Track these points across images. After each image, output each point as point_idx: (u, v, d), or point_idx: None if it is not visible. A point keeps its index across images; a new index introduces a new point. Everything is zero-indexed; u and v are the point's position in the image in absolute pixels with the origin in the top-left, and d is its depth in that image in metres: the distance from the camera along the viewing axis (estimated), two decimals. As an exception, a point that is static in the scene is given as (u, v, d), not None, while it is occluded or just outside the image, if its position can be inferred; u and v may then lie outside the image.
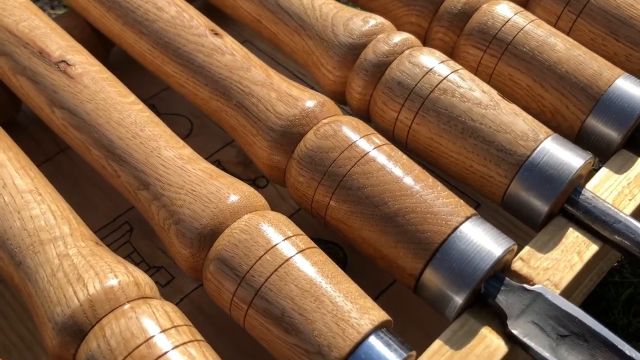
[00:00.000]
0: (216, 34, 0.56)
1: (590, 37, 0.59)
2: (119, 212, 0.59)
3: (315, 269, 0.41)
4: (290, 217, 0.58)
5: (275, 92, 0.51)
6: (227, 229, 0.42)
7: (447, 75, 0.51)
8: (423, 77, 0.51)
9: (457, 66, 0.52)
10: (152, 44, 0.56)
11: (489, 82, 0.57)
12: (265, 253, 0.41)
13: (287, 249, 0.41)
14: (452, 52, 0.59)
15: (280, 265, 0.40)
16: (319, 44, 0.56)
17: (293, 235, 0.42)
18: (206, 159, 0.62)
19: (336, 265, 0.43)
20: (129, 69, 0.66)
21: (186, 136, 0.65)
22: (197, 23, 0.56)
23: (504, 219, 0.57)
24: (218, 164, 0.62)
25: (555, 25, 0.60)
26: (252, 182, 0.61)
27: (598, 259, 0.48)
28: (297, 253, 0.41)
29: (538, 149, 0.47)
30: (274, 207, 0.55)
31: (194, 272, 0.44)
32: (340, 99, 0.57)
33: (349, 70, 0.54)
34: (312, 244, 0.43)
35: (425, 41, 0.61)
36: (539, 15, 0.61)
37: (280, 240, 0.41)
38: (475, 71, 0.57)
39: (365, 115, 0.55)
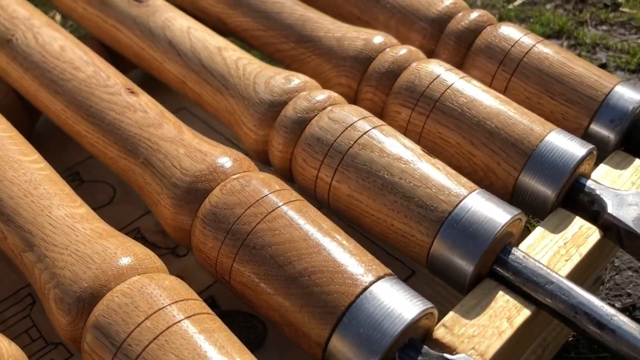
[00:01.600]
0: (132, 92, 0.53)
1: (526, 96, 0.57)
2: (23, 284, 0.54)
3: (202, 336, 0.36)
4: (209, 287, 0.53)
5: (184, 148, 0.47)
6: (109, 293, 0.38)
7: (367, 131, 0.48)
8: (342, 132, 0.48)
9: (380, 122, 0.50)
10: (65, 103, 0.54)
11: (419, 142, 0.54)
12: (146, 319, 0.36)
13: (171, 314, 0.36)
14: (381, 112, 0.57)
15: (160, 333, 0.35)
16: (241, 102, 0.54)
17: (182, 300, 0.38)
18: (125, 227, 0.59)
19: (232, 335, 0.38)
20: (55, 137, 0.64)
21: (107, 203, 0.61)
22: (114, 82, 0.54)
23: (440, 287, 0.52)
24: (137, 232, 0.58)
25: (490, 85, 0.59)
26: (172, 251, 0.57)
27: (534, 326, 0.44)
28: (183, 319, 0.36)
29: (461, 204, 0.44)
30: (193, 278, 0.51)
31: (74, 343, 0.39)
32: (264, 158, 0.54)
33: (270, 128, 0.52)
34: (207, 309, 0.39)
35: (356, 102, 0.58)
36: (475, 75, 0.59)
37: (166, 305, 0.37)
38: (405, 130, 0.55)
39: (289, 174, 0.52)
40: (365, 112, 0.50)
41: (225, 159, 0.46)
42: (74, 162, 0.65)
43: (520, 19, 1.10)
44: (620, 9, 1.11)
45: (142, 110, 0.51)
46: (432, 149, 0.54)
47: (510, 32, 0.59)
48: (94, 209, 0.61)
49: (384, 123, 0.50)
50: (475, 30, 0.61)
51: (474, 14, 0.61)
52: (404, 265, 0.55)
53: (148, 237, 0.58)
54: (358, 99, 0.58)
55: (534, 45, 0.58)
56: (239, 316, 0.51)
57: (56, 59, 0.56)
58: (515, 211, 0.44)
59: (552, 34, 1.04)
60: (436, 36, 0.62)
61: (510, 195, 0.50)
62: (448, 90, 0.53)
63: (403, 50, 0.57)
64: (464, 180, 0.46)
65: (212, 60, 0.57)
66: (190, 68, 0.58)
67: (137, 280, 0.38)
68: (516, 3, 1.15)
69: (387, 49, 0.58)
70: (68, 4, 0.68)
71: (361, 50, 0.58)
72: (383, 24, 0.66)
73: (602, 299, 0.64)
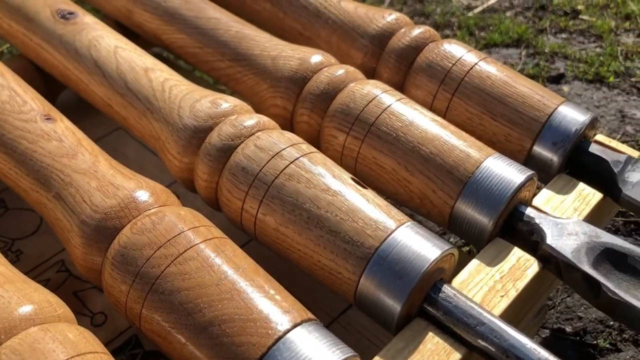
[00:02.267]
0: (49, 118, 0.50)
1: (467, 117, 0.55)
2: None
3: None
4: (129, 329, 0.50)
5: (97, 181, 0.44)
6: (-2, 348, 0.35)
7: (295, 160, 0.45)
8: (268, 161, 0.45)
9: (310, 149, 0.47)
10: (-23, 131, 0.50)
11: (354, 167, 0.52)
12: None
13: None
14: (318, 136, 0.54)
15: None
16: (165, 127, 0.51)
17: (78, 355, 0.35)
18: (49, 258, 0.56)
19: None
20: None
21: (32, 233, 0.58)
22: (30, 107, 0.51)
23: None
24: (61, 264, 0.55)
25: (432, 105, 0.56)
26: (96, 286, 0.53)
27: (467, 368, 0.41)
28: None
29: (388, 239, 0.41)
30: (117, 314, 0.48)
31: None
32: (190, 187, 0.51)
33: (194, 155, 0.49)
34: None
35: (292, 124, 0.56)
36: (416, 95, 0.57)
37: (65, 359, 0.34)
38: (341, 155, 0.52)
39: (216, 205, 0.49)
40: (295, 139, 0.48)
41: (139, 192, 0.43)
42: (0, 188, 0.62)
43: (479, 27, 1.08)
44: (580, 16, 1.10)
45: (57, 139, 0.48)
46: (368, 175, 0.51)
47: (453, 49, 0.57)
48: (18, 239, 0.58)
49: (314, 150, 0.47)
50: (416, 48, 0.58)
51: (416, 31, 0.59)
52: (341, 297, 0.52)
53: (72, 270, 0.55)
54: (294, 122, 0.55)
55: (476, 64, 0.56)
56: (162, 357, 0.48)
57: (-31, 82, 0.52)
58: (446, 246, 0.42)
59: (510, 43, 1.03)
60: (377, 54, 0.60)
61: (447, 223, 0.48)
62: (384, 114, 0.51)
63: (340, 71, 0.54)
64: (395, 212, 0.43)
65: (137, 82, 0.54)
66: (115, 90, 0.55)
67: (32, 333, 0.35)
68: (476, 10, 1.13)
69: (324, 69, 0.55)
70: (-6, 21, 0.65)
71: (296, 70, 0.55)
72: (325, 41, 0.63)
73: (537, 340, 0.62)
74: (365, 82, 0.53)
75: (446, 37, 1.07)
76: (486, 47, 1.03)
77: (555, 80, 0.93)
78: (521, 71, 0.97)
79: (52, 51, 0.59)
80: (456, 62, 0.56)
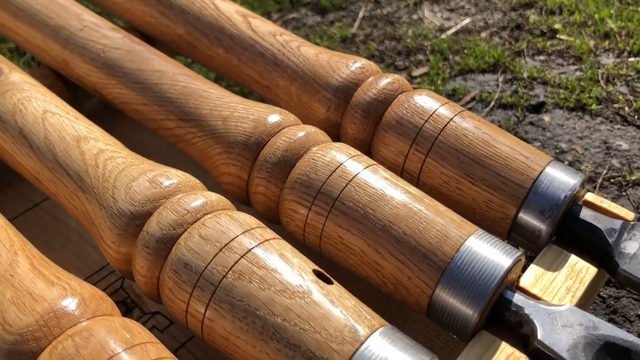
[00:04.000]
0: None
1: (443, 180, 0.49)
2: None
3: None
4: None
5: (13, 290, 0.38)
6: None
7: (246, 252, 0.39)
8: (215, 256, 0.39)
9: (266, 234, 0.41)
10: None
11: (319, 246, 0.46)
12: None
13: None
14: (277, 208, 0.48)
15: None
16: (99, 211, 0.44)
17: (133, 346, 0.31)
18: None
19: None
20: None
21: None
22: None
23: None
24: None
25: (403, 167, 0.50)
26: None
27: None
28: None
29: (357, 354, 0.35)
30: None
31: None
32: (131, 278, 0.45)
33: (132, 245, 0.42)
34: None
35: (248, 194, 0.49)
36: (385, 155, 0.51)
37: None
38: (303, 231, 0.46)
39: (159, 300, 0.43)
40: (249, 222, 0.41)
41: (64, 303, 0.37)
42: None
43: (453, 50, 1.02)
44: (558, 35, 1.05)
45: (-31, 233, 0.41)
46: (335, 255, 0.45)
47: (425, 102, 0.51)
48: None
49: (271, 236, 0.41)
50: (384, 101, 0.52)
51: (384, 81, 0.53)
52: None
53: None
54: (250, 192, 0.49)
55: (451, 119, 0.50)
56: None
57: None
58: (428, 356, 0.36)
59: (487, 68, 0.97)
60: (342, 107, 0.54)
61: (426, 312, 0.42)
62: (349, 186, 0.45)
63: (300, 133, 0.48)
64: (365, 314, 0.37)
65: (68, 154, 0.47)
66: (43, 164, 0.48)
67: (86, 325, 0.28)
68: (449, 32, 1.08)
69: (282, 131, 0.49)
70: None
71: (250, 133, 0.49)
72: (284, 91, 0.57)
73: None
74: (329, 147, 0.47)
75: (419, 62, 1.01)
76: (461, 73, 0.97)
77: (536, 109, 0.88)
78: (499, 99, 0.91)
79: (-26, 116, 0.52)
80: (429, 117, 0.50)
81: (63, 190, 0.47)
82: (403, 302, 0.43)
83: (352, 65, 0.55)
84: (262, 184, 0.48)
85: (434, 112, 0.50)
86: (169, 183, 0.44)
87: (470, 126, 0.50)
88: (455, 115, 0.50)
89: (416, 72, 0.98)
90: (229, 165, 0.49)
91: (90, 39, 0.59)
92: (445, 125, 0.50)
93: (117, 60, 0.57)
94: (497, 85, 0.94)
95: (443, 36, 1.06)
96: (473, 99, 0.92)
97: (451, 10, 1.14)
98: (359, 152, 0.48)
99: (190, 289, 0.39)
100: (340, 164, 0.46)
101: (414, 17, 1.12)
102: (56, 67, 0.62)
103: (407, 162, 0.50)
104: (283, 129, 0.49)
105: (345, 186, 0.44)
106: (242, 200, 0.50)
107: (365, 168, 0.46)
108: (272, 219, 0.49)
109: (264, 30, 0.60)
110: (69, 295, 0.37)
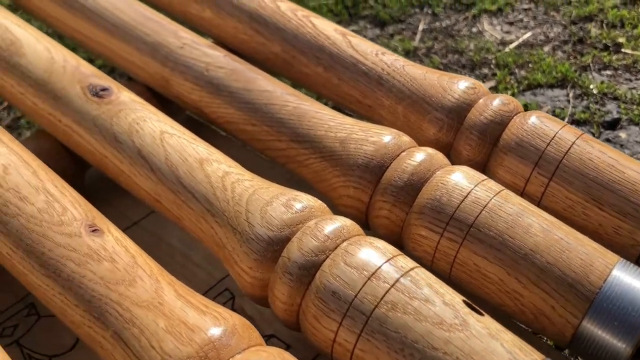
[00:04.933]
0: (95, 229, 0.43)
1: (568, 205, 0.48)
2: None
3: None
4: None
5: (165, 319, 0.37)
6: None
7: (395, 282, 0.38)
8: (364, 285, 0.38)
9: (407, 263, 0.40)
10: (11, 246, 0.43)
11: (450, 273, 0.45)
12: None
13: None
14: (401, 232, 0.47)
15: None
16: (231, 235, 0.43)
17: None
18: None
19: None
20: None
21: (70, 349, 0.51)
22: (71, 217, 0.43)
23: None
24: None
25: (523, 190, 0.50)
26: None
27: None
28: None
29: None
30: None
31: None
32: (264, 304, 0.44)
33: (270, 271, 0.42)
34: None
35: (368, 217, 0.49)
36: (502, 177, 0.50)
37: None
38: (432, 257, 0.45)
39: (297, 327, 0.42)
40: (389, 250, 0.41)
41: (219, 333, 0.36)
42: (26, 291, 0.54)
43: (518, 64, 1.02)
44: (622, 50, 1.04)
45: (108, 259, 0.41)
46: (468, 283, 0.44)
47: (544, 125, 0.51)
48: (55, 356, 0.51)
49: (413, 265, 0.40)
50: (500, 123, 0.52)
51: (497, 102, 0.52)
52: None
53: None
54: (371, 215, 0.48)
55: (573, 143, 0.49)
56: None
57: (-2, 186, 0.45)
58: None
59: (555, 83, 0.97)
60: (454, 128, 0.53)
61: (568, 343, 0.41)
62: (484, 212, 0.44)
63: (422, 156, 0.48)
64: (525, 348, 0.36)
65: (192, 177, 0.47)
66: (165, 186, 0.47)
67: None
68: (512, 46, 1.07)
69: (403, 154, 0.48)
70: (16, 96, 0.57)
71: (372, 156, 0.48)
72: (389, 110, 0.56)
73: None
74: (455, 171, 0.47)
75: (485, 76, 1.01)
76: (529, 87, 0.96)
77: (611, 125, 0.87)
78: (572, 115, 0.90)
79: (86, 135, 0.52)
80: (551, 140, 0.50)
81: (188, 213, 0.46)
82: (542, 331, 0.42)
83: (463, 85, 0.54)
84: (385, 208, 0.47)
85: (555, 135, 0.50)
86: (302, 207, 0.43)
87: (595, 150, 0.49)
88: (577, 138, 0.50)
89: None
90: (349, 188, 0.49)
91: (191, 56, 0.59)
92: (569, 148, 0.49)
93: (221, 79, 0.57)
94: (568, 101, 0.93)
95: (506, 50, 1.06)
96: (543, 114, 0.91)
97: (510, 24, 1.13)
98: (485, 176, 0.47)
99: (339, 318, 0.38)
100: (471, 190, 0.45)
101: (474, 30, 1.12)
102: (153, 84, 0.62)
103: (528, 186, 0.49)
104: (403, 151, 0.49)
105: (480, 212, 0.44)
106: (360, 223, 0.50)
107: (497, 194, 0.45)
108: (394, 242, 0.48)
109: (366, 48, 0.59)
110: (222, 324, 0.37)
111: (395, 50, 1.05)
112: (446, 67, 1.03)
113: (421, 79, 0.56)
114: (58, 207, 0.44)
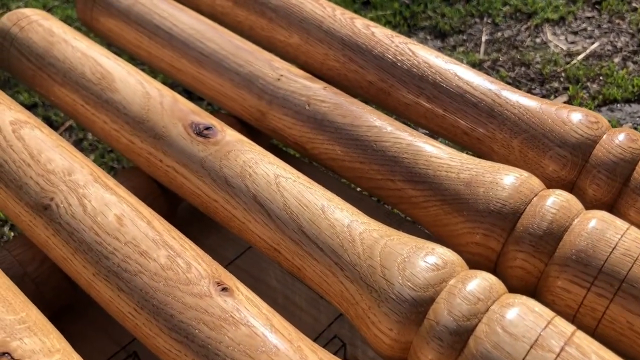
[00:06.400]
0: (224, 288, 0.40)
1: None
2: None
3: None
4: None
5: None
6: None
7: (560, 351, 0.36)
8: (527, 354, 0.36)
9: (568, 326, 0.37)
10: (134, 306, 0.41)
11: (595, 329, 0.42)
12: None
13: None
14: (537, 284, 0.44)
15: None
16: (366, 292, 0.41)
17: None
18: None
19: None
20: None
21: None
22: (197, 274, 0.41)
23: None
24: None
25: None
26: None
27: None
28: None
29: None
30: None
31: None
32: (399, 364, 0.41)
33: (412, 333, 0.39)
34: None
35: (497, 267, 0.46)
36: (635, 220, 0.47)
37: None
38: (576, 312, 0.42)
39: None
40: (546, 311, 0.38)
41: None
42: (130, 337, 0.52)
43: (589, 78, 0.98)
44: (697, 60, 1.00)
45: (244, 322, 0.38)
46: (617, 340, 0.41)
47: (681, 163, 0.47)
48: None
49: (571, 328, 0.38)
50: (631, 161, 0.49)
51: (624, 138, 0.49)
52: None
53: None
54: (503, 264, 0.46)
55: None
56: None
57: (114, 239, 0.43)
58: None
59: (632, 98, 0.93)
60: (579, 166, 0.50)
61: None
62: (636, 265, 0.41)
63: (558, 201, 0.45)
64: None
65: (315, 225, 0.44)
66: (286, 235, 0.45)
67: None
68: (579, 57, 1.03)
69: (536, 199, 0.45)
70: (109, 133, 0.55)
71: (504, 202, 0.45)
72: (501, 144, 0.53)
73: None
74: (594, 217, 0.44)
75: (555, 90, 0.97)
76: (605, 103, 0.93)
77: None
78: (654, 133, 0.87)
79: (193, 178, 0.50)
80: (691, 181, 0.46)
81: (312, 265, 0.44)
82: None
83: (585, 119, 0.51)
84: (521, 258, 0.44)
85: (695, 176, 0.47)
86: (443, 263, 0.40)
87: None
88: None
89: (556, 102, 0.94)
90: (478, 235, 0.46)
91: (290, 89, 0.56)
92: None
93: (325, 114, 0.54)
94: (649, 117, 0.90)
95: (574, 62, 1.02)
96: (622, 131, 0.88)
97: (574, 33, 1.10)
98: (627, 223, 0.44)
99: (501, 391, 0.35)
100: (619, 240, 0.42)
101: (537, 40, 1.08)
102: (246, 117, 0.59)
103: (668, 230, 0.46)
104: (536, 195, 0.46)
105: (632, 266, 0.41)
106: (487, 270, 0.47)
107: (646, 244, 0.42)
108: (528, 293, 0.45)
109: (473, 77, 0.56)
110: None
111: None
112: (514, 81, 1.00)
113: (537, 111, 0.53)
114: (182, 263, 0.41)
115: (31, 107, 0.99)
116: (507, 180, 0.46)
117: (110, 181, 0.48)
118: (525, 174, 0.47)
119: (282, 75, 0.57)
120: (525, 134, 0.52)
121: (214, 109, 0.86)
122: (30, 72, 0.61)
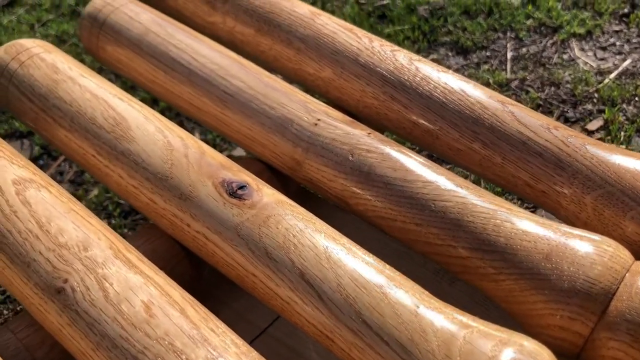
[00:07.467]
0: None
1: None
2: None
3: None
4: None
5: None
6: None
7: None
8: None
9: None
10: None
11: None
12: None
13: None
14: (635, 377, 0.38)
15: None
16: (444, 399, 0.35)
17: None
18: None
19: None
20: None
21: None
22: (244, 380, 0.34)
23: None
24: None
25: None
26: None
27: None
28: None
29: None
30: None
31: None
32: None
33: None
34: None
35: (583, 353, 0.40)
36: None
37: None
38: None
39: None
40: None
41: None
42: None
43: (625, 99, 0.92)
44: None
45: None
46: None
47: None
48: None
49: None
50: None
51: None
52: None
53: None
54: (593, 352, 0.39)
55: None
56: None
57: (144, 335, 0.36)
58: None
59: (673, 122, 0.87)
60: (665, 229, 0.44)
61: None
62: None
63: (655, 279, 0.39)
64: None
65: (377, 313, 0.38)
66: (341, 321, 0.38)
67: None
68: (612, 76, 0.98)
69: (628, 276, 0.39)
70: (126, 189, 0.48)
71: (594, 281, 0.39)
72: (571, 199, 0.47)
73: None
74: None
75: (590, 113, 0.91)
76: (645, 127, 0.87)
77: None
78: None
79: (226, 247, 0.43)
80: None
81: (371, 356, 0.37)
82: None
83: (673, 176, 0.45)
84: (616, 347, 0.38)
85: None
86: (538, 364, 0.34)
87: None
88: None
89: (592, 126, 0.88)
90: (562, 318, 0.40)
91: (329, 136, 0.50)
92: None
93: (372, 166, 0.48)
94: (694, 144, 0.84)
95: (606, 80, 0.96)
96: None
97: (603, 49, 1.04)
98: None
99: None
100: None
101: (565, 56, 1.02)
102: (279, 165, 0.53)
103: None
104: (628, 270, 0.40)
105: None
106: (569, 355, 0.41)
107: None
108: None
109: (534, 122, 0.50)
110: None
111: (487, 83, 0.96)
112: (545, 103, 0.93)
113: (613, 163, 0.47)
114: (226, 366, 0.35)
115: (28, 135, 0.92)
116: (593, 253, 0.40)
117: (133, 255, 0.41)
118: (612, 244, 0.41)
119: (319, 120, 0.51)
120: (600, 190, 0.46)
121: (232, 145, 0.80)
122: (32, 114, 0.54)
